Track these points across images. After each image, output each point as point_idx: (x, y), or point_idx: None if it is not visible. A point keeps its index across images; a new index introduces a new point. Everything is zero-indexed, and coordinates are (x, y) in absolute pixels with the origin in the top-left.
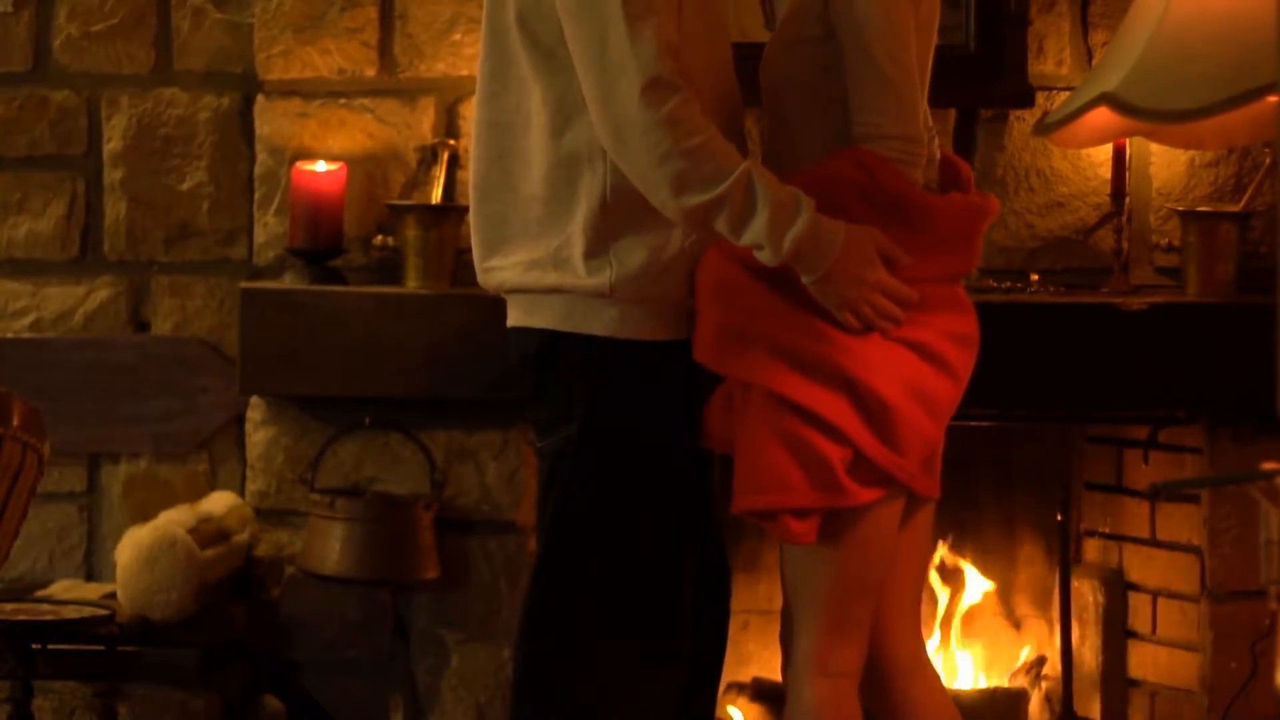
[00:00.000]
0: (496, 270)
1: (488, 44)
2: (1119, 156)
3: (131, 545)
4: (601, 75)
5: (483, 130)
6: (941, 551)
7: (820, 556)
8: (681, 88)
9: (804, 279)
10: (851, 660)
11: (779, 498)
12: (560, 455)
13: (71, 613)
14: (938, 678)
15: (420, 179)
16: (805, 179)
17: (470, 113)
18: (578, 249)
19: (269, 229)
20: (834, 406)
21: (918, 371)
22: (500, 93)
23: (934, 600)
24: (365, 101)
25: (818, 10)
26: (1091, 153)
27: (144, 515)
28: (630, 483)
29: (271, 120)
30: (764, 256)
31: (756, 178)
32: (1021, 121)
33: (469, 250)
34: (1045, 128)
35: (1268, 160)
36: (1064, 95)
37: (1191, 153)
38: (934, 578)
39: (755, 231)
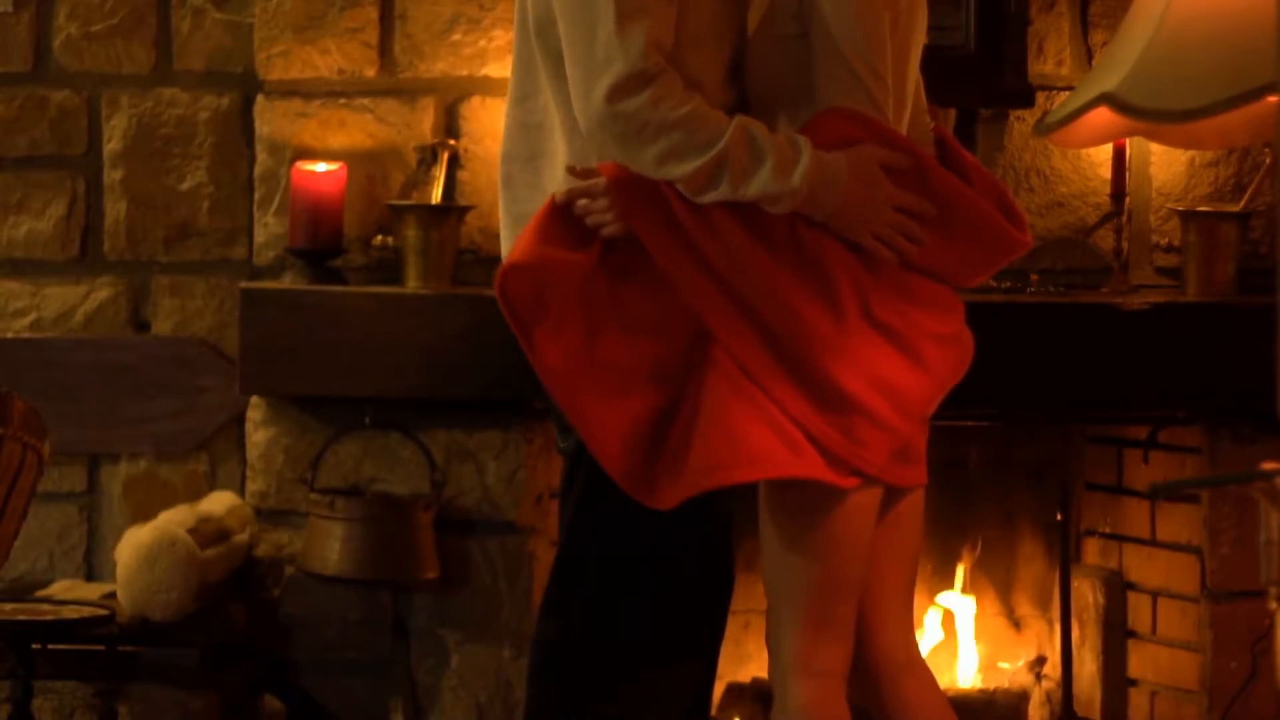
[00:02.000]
0: None
1: (518, 47)
2: (1119, 156)
3: (131, 545)
4: (588, 69)
5: (515, 131)
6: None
7: (797, 553)
8: (663, 71)
9: (819, 217)
10: (836, 659)
11: (764, 469)
12: (579, 454)
13: (71, 613)
14: (931, 676)
15: (420, 179)
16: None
17: (470, 113)
18: None
19: (269, 229)
20: (777, 385)
21: (889, 363)
22: (532, 94)
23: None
24: (365, 101)
25: (793, 8)
26: (1091, 153)
27: (144, 515)
28: None
29: (271, 120)
30: (777, 206)
31: (753, 129)
32: (1021, 121)
33: (469, 250)
34: (1045, 128)
35: (1268, 160)
36: (1064, 95)
37: (1191, 153)
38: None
39: (763, 180)
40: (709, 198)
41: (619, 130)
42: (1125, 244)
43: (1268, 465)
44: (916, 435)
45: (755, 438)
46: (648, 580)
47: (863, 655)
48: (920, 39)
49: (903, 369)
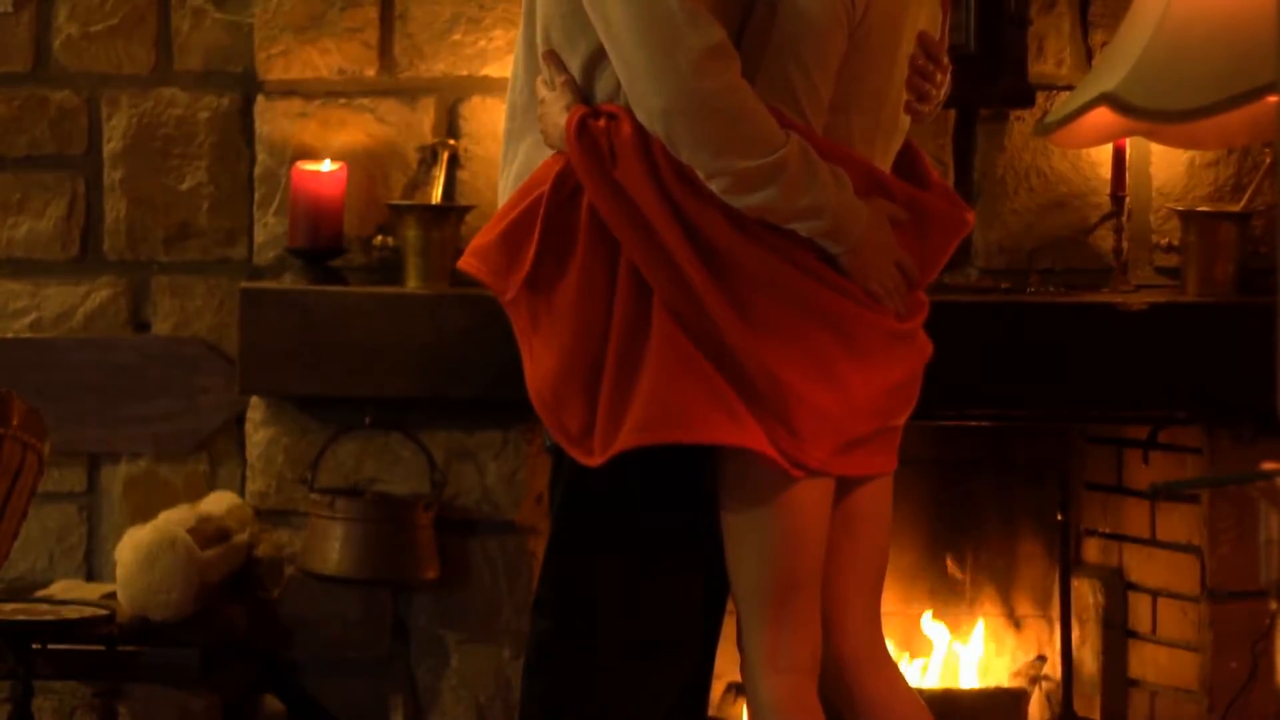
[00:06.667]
0: None
1: (522, 54)
2: (1119, 156)
3: (131, 545)
4: (652, 51)
5: (511, 114)
6: None
7: (750, 549)
8: (736, 55)
9: (834, 249)
10: (801, 654)
11: (699, 433)
12: (563, 451)
13: (71, 613)
14: (899, 673)
15: (420, 179)
16: None
17: (470, 113)
18: None
19: (269, 229)
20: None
21: (832, 355)
22: (527, 82)
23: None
24: (365, 101)
25: None
26: (1091, 153)
27: (144, 515)
28: (633, 475)
29: (271, 120)
30: (809, 227)
31: (806, 144)
32: (1021, 121)
33: None
34: (1045, 128)
35: (1268, 160)
36: (1064, 95)
37: (1191, 153)
38: None
39: (813, 196)
40: (748, 201)
41: (697, 106)
42: (1125, 244)
43: (1268, 465)
44: (872, 427)
45: (693, 402)
46: (633, 575)
47: (827, 652)
48: (905, 50)
49: (843, 361)
